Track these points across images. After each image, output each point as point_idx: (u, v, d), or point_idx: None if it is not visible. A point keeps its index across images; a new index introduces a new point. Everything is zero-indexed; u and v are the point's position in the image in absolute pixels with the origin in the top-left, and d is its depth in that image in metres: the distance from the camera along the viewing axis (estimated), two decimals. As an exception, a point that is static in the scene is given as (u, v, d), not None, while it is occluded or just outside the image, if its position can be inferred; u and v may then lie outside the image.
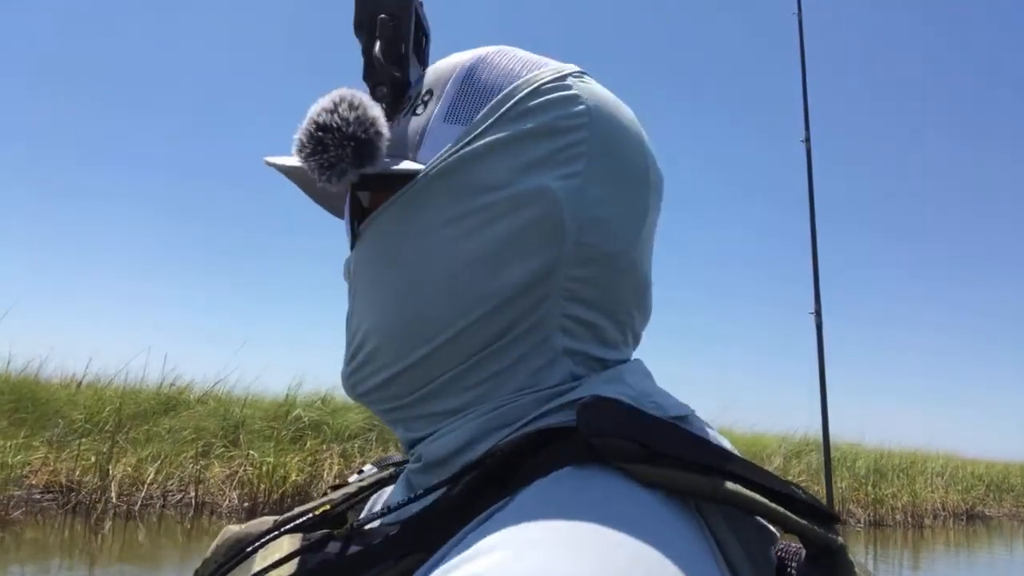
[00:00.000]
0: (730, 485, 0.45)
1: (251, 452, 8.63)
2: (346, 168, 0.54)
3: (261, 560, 0.55)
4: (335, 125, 0.54)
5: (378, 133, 0.54)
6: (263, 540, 0.57)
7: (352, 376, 0.58)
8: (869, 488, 12.60)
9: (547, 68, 0.58)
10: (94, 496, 7.50)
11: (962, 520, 13.97)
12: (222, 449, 8.66)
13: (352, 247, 0.60)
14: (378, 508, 0.60)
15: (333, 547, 0.52)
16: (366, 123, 0.54)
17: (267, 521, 0.61)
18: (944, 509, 13.58)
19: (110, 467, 7.75)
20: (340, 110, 0.54)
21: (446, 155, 0.54)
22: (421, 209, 0.54)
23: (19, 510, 6.98)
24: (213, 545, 0.62)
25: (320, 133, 0.54)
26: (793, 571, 0.51)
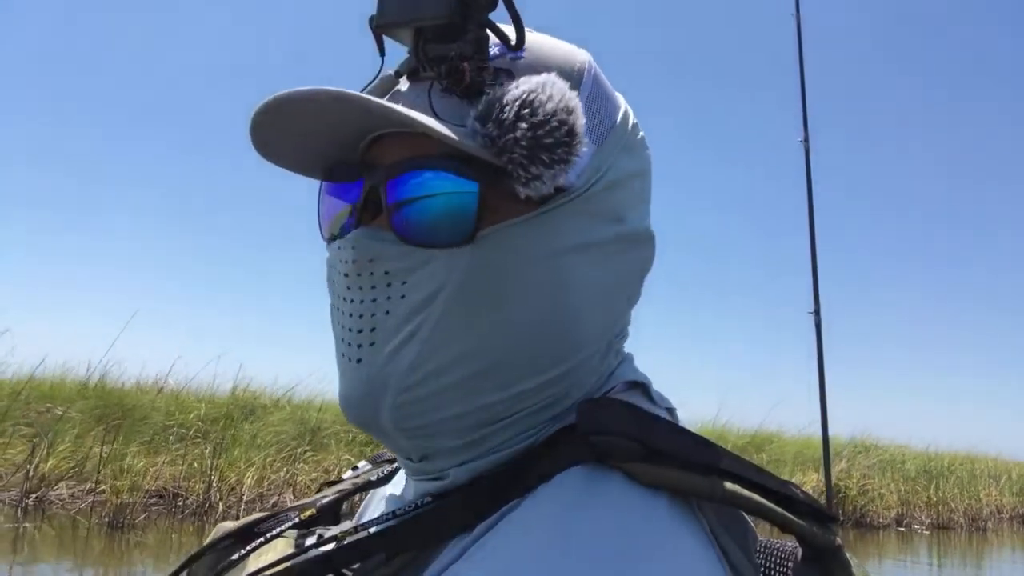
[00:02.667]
0: (729, 485, 0.45)
1: (346, 456, 8.82)
2: (559, 177, 0.48)
3: (256, 558, 0.55)
4: (579, 132, 0.48)
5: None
6: (258, 539, 0.56)
7: (410, 405, 0.48)
8: (932, 491, 12.52)
9: (619, 95, 0.56)
10: (202, 500, 7.72)
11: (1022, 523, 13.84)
12: (309, 452, 8.86)
13: (419, 237, 0.49)
14: (373, 507, 0.59)
15: (328, 545, 0.52)
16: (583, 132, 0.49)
17: (260, 516, 0.62)
18: (1000, 512, 13.51)
19: (213, 472, 7.96)
20: (580, 115, 0.48)
21: (596, 177, 0.51)
22: (564, 230, 0.50)
23: (143, 514, 7.20)
24: (207, 542, 0.62)
25: (575, 143, 0.48)
26: (789, 571, 0.50)
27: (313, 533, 0.54)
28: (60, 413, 8.21)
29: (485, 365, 0.48)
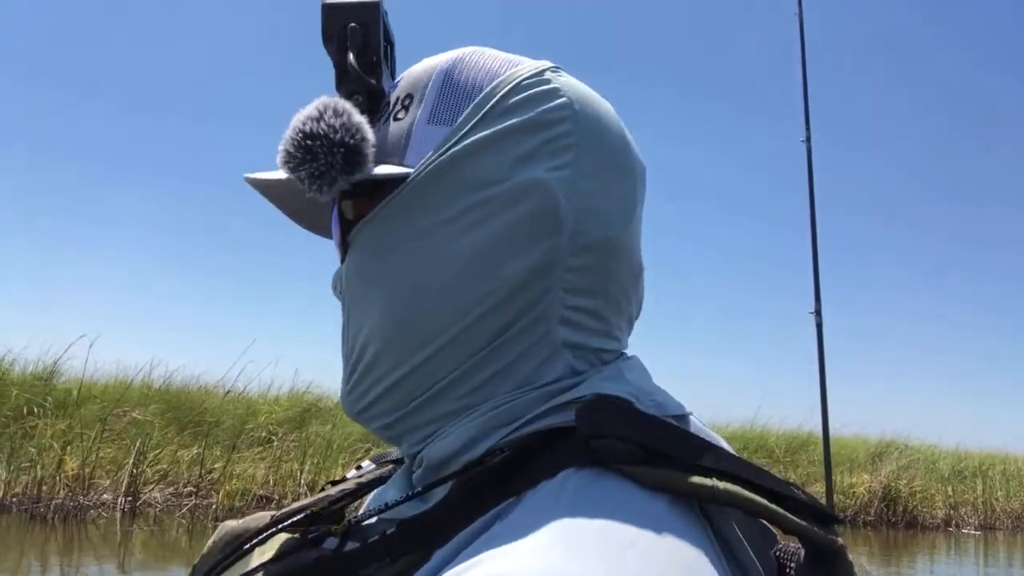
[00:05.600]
0: (729, 486, 0.45)
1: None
2: (336, 176, 0.53)
3: (258, 556, 0.56)
4: (322, 132, 0.53)
5: (364, 139, 0.54)
6: (260, 536, 0.58)
7: (352, 393, 0.56)
8: (979, 491, 12.59)
9: (524, 65, 0.58)
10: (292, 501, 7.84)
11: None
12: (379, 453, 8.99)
13: (343, 261, 0.58)
14: (375, 506, 0.60)
15: (329, 544, 0.52)
16: (352, 129, 0.54)
17: (264, 517, 0.62)
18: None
19: (301, 475, 8.10)
20: (326, 117, 0.54)
21: (435, 156, 0.54)
22: (414, 211, 0.54)
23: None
24: (210, 541, 0.63)
25: (308, 142, 0.53)
26: (792, 571, 0.51)
27: (317, 530, 0.55)
28: (139, 417, 8.34)
29: (381, 345, 0.54)
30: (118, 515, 7.31)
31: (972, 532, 11.80)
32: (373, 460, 0.71)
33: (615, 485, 0.44)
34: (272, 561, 0.53)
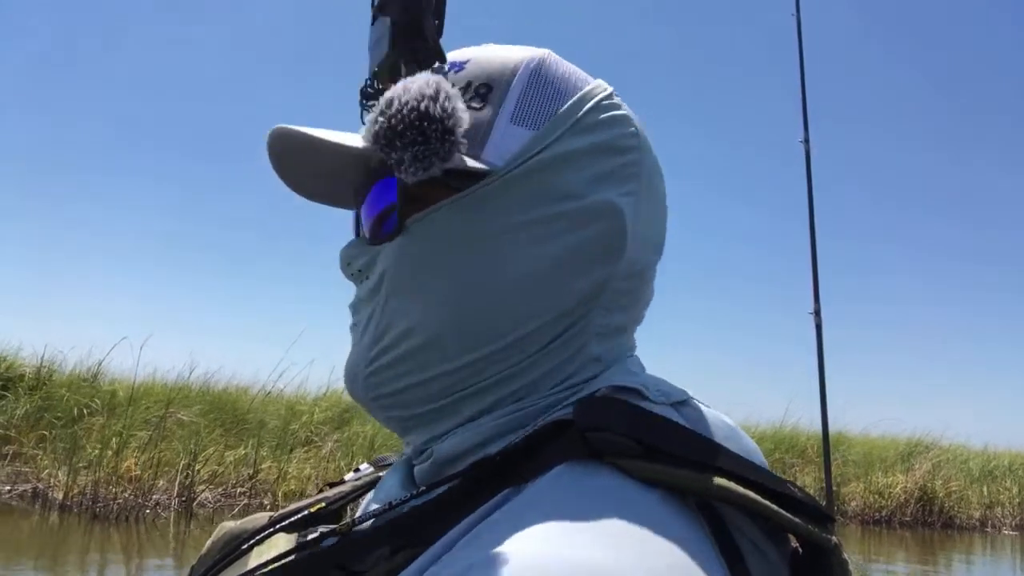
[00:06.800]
0: (723, 482, 0.45)
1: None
2: (435, 161, 0.51)
3: (256, 557, 0.55)
4: (438, 115, 0.50)
5: (462, 127, 0.51)
6: (258, 537, 0.57)
7: (373, 376, 0.55)
8: (1014, 491, 12.48)
9: (598, 83, 0.58)
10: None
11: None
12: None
13: (373, 236, 0.56)
14: (373, 507, 0.59)
15: (328, 543, 0.52)
16: (459, 116, 0.51)
17: (262, 517, 0.62)
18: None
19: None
20: (441, 99, 0.50)
21: (522, 158, 0.53)
22: (490, 210, 0.53)
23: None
24: (209, 541, 0.62)
25: (424, 123, 0.50)
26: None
27: (315, 530, 0.55)
28: (184, 418, 8.45)
29: (426, 339, 0.53)
30: (171, 515, 7.42)
31: (1008, 532, 11.75)
32: (371, 463, 0.71)
33: (608, 477, 0.45)
34: (271, 562, 0.52)
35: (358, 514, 0.55)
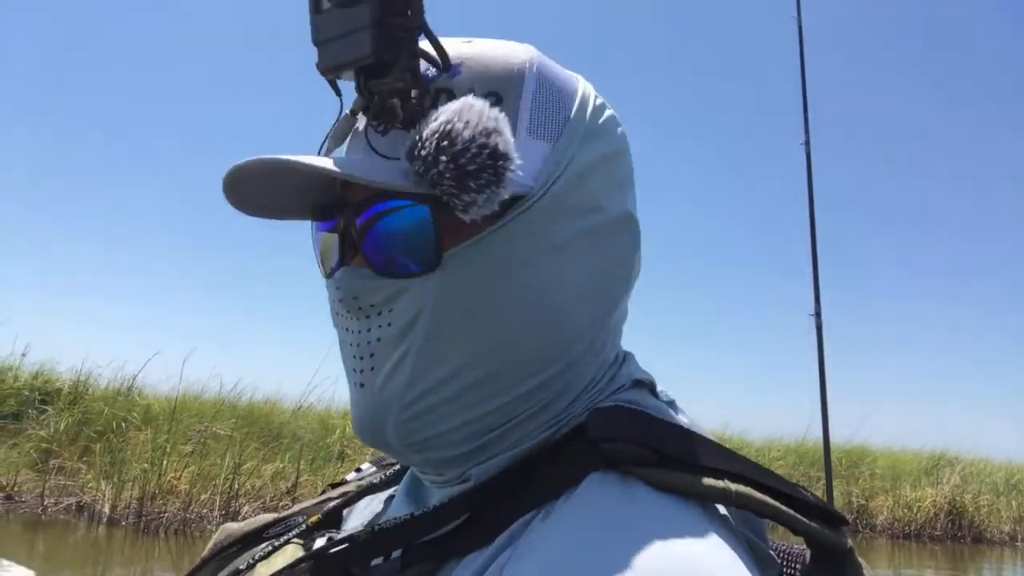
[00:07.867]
0: (741, 488, 0.46)
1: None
2: (502, 197, 0.48)
3: (264, 566, 0.55)
4: (504, 152, 0.47)
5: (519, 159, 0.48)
6: (263, 547, 0.57)
7: (414, 421, 0.51)
8: None
9: (580, 79, 0.56)
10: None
11: None
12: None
13: (390, 269, 0.51)
14: (371, 508, 0.58)
15: (340, 554, 0.51)
16: (511, 147, 0.48)
17: (265, 519, 0.61)
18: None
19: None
20: (506, 132, 0.47)
21: (556, 175, 0.51)
22: (536, 233, 0.50)
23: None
24: (211, 543, 0.62)
25: (500, 163, 0.47)
26: (797, 572, 0.52)
27: (323, 536, 0.54)
28: (219, 432, 8.50)
29: (479, 376, 0.50)
30: (215, 528, 7.46)
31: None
32: (373, 462, 0.70)
33: (642, 491, 0.45)
34: (284, 567, 0.53)
35: (367, 523, 0.55)
